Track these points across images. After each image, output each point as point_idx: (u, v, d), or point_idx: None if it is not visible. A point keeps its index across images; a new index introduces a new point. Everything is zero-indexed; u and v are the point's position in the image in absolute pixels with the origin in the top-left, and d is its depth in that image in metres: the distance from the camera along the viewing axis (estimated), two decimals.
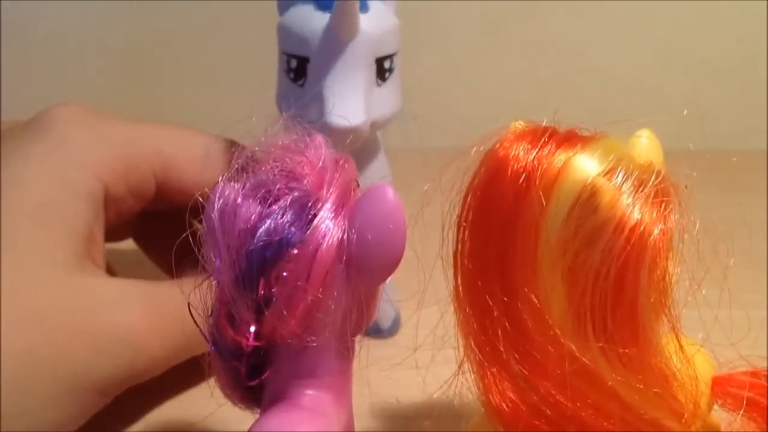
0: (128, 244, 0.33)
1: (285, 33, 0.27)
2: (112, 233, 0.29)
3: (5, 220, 0.23)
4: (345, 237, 0.17)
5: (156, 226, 0.30)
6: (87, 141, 0.26)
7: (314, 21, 0.26)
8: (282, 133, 0.19)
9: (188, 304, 0.19)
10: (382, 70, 0.27)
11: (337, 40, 0.26)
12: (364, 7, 0.26)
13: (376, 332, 0.33)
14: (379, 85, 0.27)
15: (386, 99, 0.28)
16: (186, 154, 0.28)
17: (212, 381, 0.20)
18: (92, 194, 0.26)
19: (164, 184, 0.28)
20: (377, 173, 0.30)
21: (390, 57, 0.27)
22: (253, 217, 0.17)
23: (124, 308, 0.24)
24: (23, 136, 0.26)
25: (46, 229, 0.24)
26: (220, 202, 0.18)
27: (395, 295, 0.33)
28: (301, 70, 0.27)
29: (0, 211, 0.23)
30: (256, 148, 0.19)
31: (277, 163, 0.18)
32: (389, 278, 0.31)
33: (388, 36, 0.27)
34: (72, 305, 0.23)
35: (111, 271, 0.28)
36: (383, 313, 0.33)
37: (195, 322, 0.19)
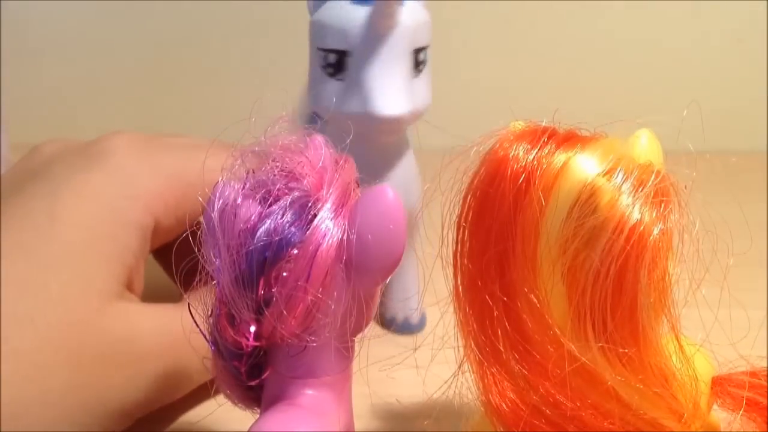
0: None
1: (321, 29, 0.27)
2: None
3: (58, 250, 0.24)
4: (345, 237, 0.17)
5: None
6: (142, 173, 0.27)
7: (353, 14, 0.26)
8: (282, 133, 0.19)
9: (188, 305, 0.19)
10: (417, 61, 0.27)
11: (378, 32, 0.26)
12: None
13: (406, 328, 0.33)
14: (415, 76, 0.27)
15: (421, 91, 0.28)
16: None
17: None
18: (142, 227, 0.26)
19: None
20: (407, 172, 0.30)
21: (424, 49, 0.28)
22: (253, 217, 0.17)
23: (153, 338, 0.25)
24: (79, 164, 0.26)
25: (95, 261, 0.24)
26: (220, 202, 0.18)
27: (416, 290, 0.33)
28: (340, 64, 0.27)
29: (54, 241, 0.24)
30: (256, 148, 0.19)
31: (277, 164, 0.18)
32: (413, 274, 0.31)
33: (422, 27, 0.27)
34: (108, 336, 0.24)
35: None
36: (411, 309, 0.33)
37: (195, 323, 0.19)
